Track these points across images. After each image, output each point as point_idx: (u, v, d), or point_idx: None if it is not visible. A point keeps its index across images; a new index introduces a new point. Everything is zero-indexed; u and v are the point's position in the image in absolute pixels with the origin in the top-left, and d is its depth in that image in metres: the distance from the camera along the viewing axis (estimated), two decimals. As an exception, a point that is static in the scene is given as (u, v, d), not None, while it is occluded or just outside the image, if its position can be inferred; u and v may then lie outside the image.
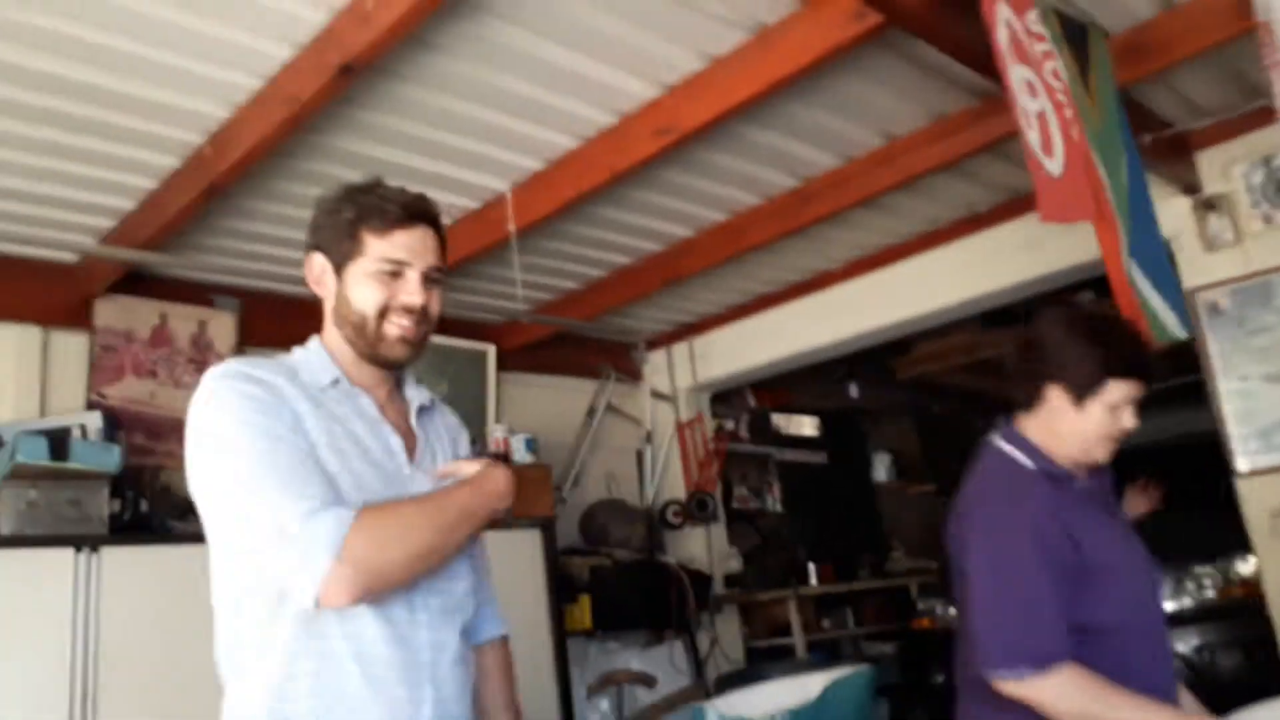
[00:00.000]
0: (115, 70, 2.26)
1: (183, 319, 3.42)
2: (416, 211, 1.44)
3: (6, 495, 2.68)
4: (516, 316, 3.93)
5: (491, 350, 4.28)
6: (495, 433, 4.03)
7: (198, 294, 3.46)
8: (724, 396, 5.28)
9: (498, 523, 1.45)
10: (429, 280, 1.43)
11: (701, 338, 4.81)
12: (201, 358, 3.42)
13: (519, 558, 3.66)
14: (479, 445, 3.89)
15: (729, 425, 5.31)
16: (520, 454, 4.02)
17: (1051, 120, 2.17)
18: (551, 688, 3.57)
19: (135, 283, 3.26)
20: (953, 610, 5.73)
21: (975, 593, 1.63)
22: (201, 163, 2.62)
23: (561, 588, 3.79)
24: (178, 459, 1.60)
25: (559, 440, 4.44)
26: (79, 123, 2.45)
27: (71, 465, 2.80)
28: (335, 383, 1.42)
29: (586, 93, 2.64)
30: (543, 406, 4.48)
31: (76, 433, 3.00)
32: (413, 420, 1.50)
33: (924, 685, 5.22)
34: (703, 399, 4.98)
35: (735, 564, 4.89)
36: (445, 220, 3.18)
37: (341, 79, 2.20)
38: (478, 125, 2.73)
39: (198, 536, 1.39)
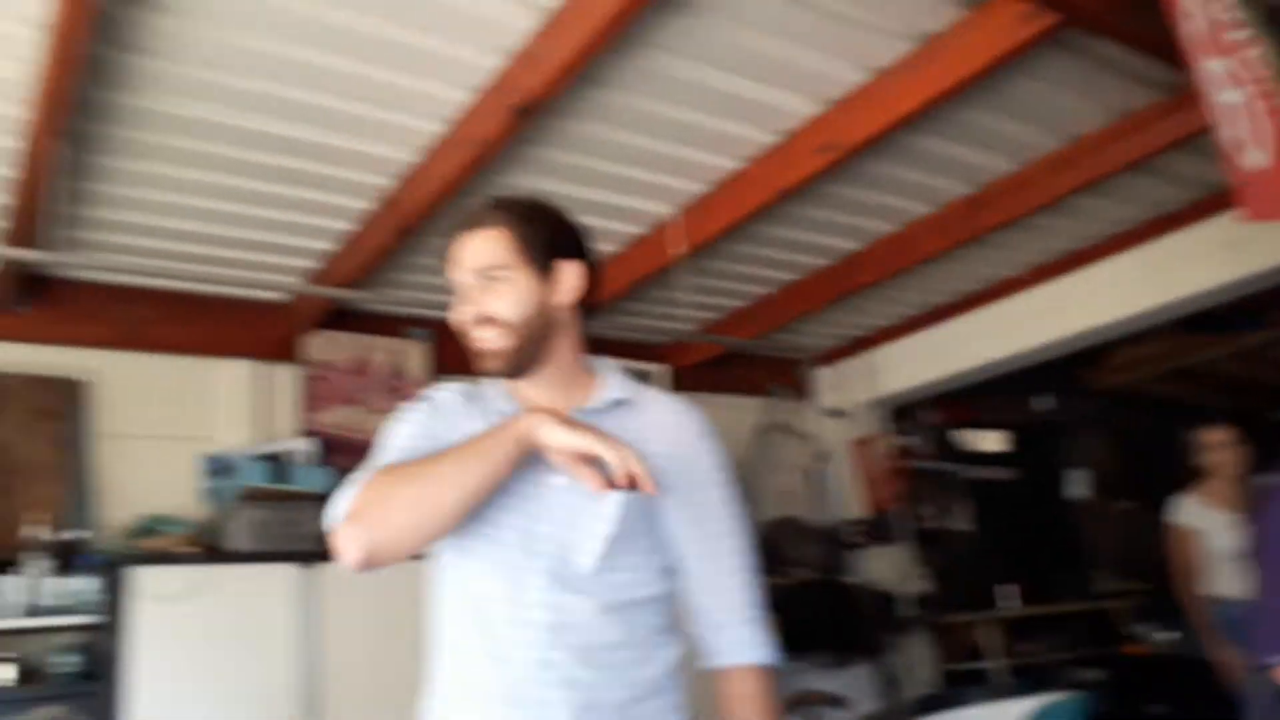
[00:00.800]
0: (316, 124, 2.49)
1: (381, 350, 3.69)
2: (462, 223, 1.39)
3: (238, 515, 2.98)
4: (684, 337, 3.99)
5: (661, 371, 4.36)
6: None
7: (393, 326, 3.73)
8: (903, 412, 5.13)
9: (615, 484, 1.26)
10: (480, 282, 1.35)
11: (875, 352, 4.71)
12: (398, 385, 3.68)
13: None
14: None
15: (909, 442, 5.16)
16: (695, 473, 4.06)
17: (1255, 111, 2.01)
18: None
19: (339, 318, 3.56)
20: (1164, 635, 5.33)
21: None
22: (393, 205, 2.84)
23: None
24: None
25: (731, 459, 4.44)
26: (287, 174, 2.71)
27: (291, 487, 3.09)
28: (506, 400, 1.42)
29: (749, 114, 2.67)
30: (714, 425, 4.49)
31: (293, 457, 3.30)
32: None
33: (1140, 716, 4.85)
34: (879, 415, 4.87)
35: (922, 585, 4.73)
36: (611, 247, 3.39)
37: (517, 120, 2.34)
38: (644, 154, 2.82)
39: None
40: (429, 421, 1.39)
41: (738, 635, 1.39)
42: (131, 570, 2.74)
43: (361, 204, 2.91)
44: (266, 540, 3.00)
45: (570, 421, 1.26)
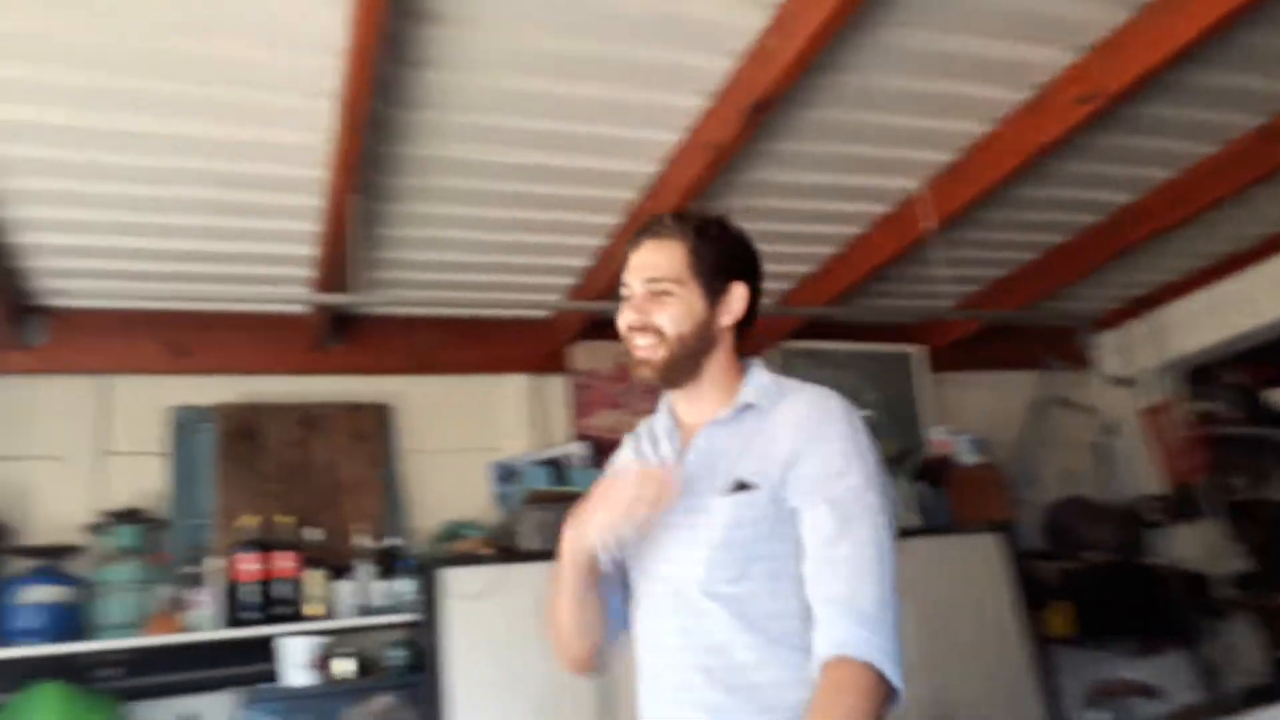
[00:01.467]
0: (566, 149, 2.63)
1: (639, 355, 3.84)
2: (642, 231, 1.43)
3: (526, 517, 3.22)
4: (942, 315, 3.83)
5: (918, 352, 4.22)
6: (935, 435, 3.95)
7: (650, 332, 3.86)
8: (1200, 374, 4.64)
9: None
10: (648, 293, 1.37)
11: (1161, 311, 4.29)
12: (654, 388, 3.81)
13: (974, 564, 3.55)
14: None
15: (1210, 407, 4.65)
16: (966, 456, 3.90)
17: None
18: (1032, 697, 3.40)
19: (599, 328, 3.72)
20: None
21: None
22: (639, 216, 2.94)
23: (1030, 593, 3.59)
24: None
25: (1006, 439, 4.23)
26: (545, 200, 2.88)
27: (570, 488, 3.29)
28: (665, 415, 1.51)
29: (996, 74, 2.54)
30: (983, 404, 4.30)
31: (569, 461, 3.52)
32: (699, 438, 1.41)
33: None
34: (1172, 380, 4.43)
35: (1240, 563, 4.25)
36: (856, 229, 3.32)
37: (753, 118, 2.36)
38: (885, 131, 2.74)
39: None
40: (631, 455, 1.55)
41: (821, 630, 1.22)
42: (441, 571, 3.03)
43: (611, 219, 3.05)
44: (552, 539, 3.19)
45: (580, 518, 1.35)
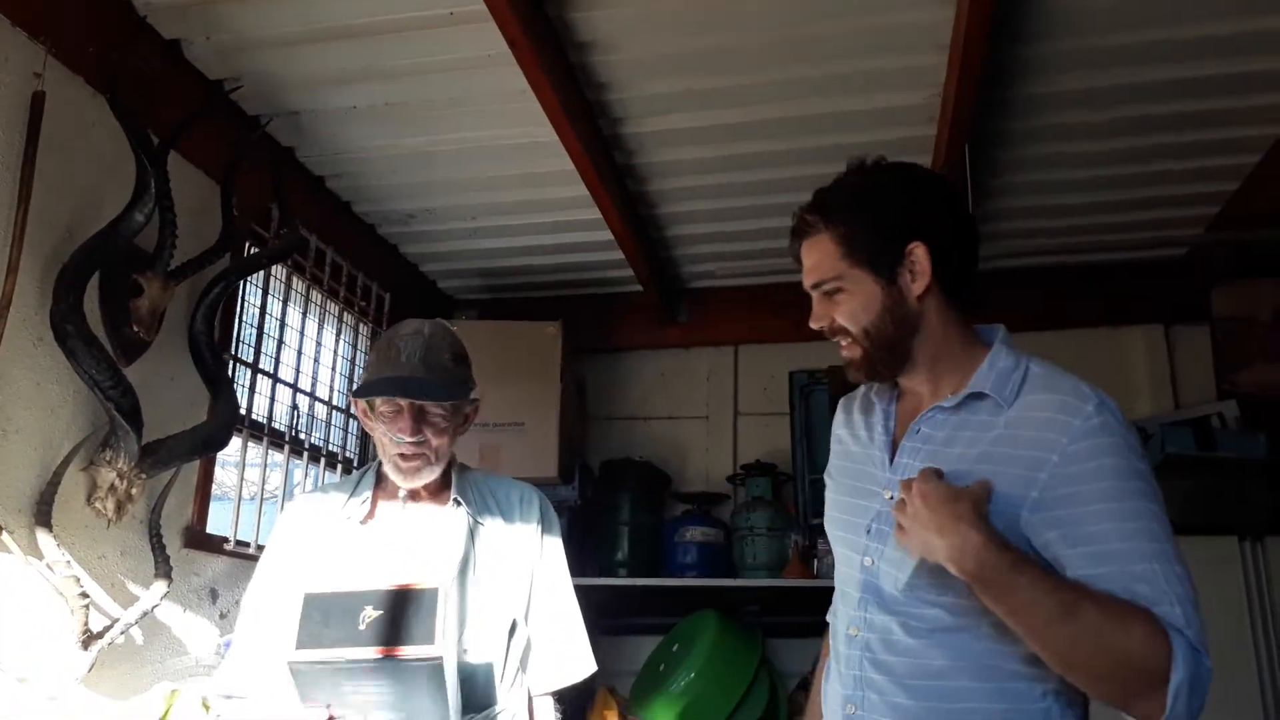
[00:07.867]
0: (1215, 56, 2.23)
1: (1309, 296, 3.17)
2: (793, 232, 1.32)
3: (1164, 486, 2.85)
4: None
5: None
6: None
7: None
8: None
9: None
10: (821, 295, 1.29)
11: None
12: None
13: None
14: None
15: None
16: None
17: None
18: None
19: (1251, 265, 3.17)
20: None
21: None
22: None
23: None
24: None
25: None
26: (1179, 120, 2.49)
27: (1219, 454, 2.85)
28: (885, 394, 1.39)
29: None
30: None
31: (1215, 423, 3.04)
32: (920, 422, 1.28)
33: None
34: None
35: None
36: None
37: None
38: None
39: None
40: (841, 426, 1.44)
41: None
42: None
43: (1269, 131, 2.54)
44: (1195, 511, 2.82)
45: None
